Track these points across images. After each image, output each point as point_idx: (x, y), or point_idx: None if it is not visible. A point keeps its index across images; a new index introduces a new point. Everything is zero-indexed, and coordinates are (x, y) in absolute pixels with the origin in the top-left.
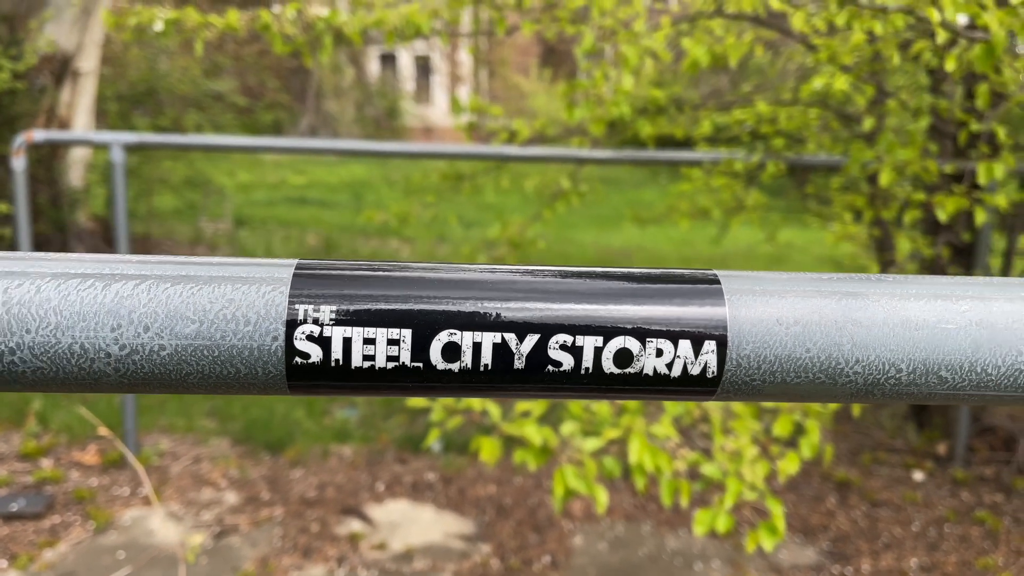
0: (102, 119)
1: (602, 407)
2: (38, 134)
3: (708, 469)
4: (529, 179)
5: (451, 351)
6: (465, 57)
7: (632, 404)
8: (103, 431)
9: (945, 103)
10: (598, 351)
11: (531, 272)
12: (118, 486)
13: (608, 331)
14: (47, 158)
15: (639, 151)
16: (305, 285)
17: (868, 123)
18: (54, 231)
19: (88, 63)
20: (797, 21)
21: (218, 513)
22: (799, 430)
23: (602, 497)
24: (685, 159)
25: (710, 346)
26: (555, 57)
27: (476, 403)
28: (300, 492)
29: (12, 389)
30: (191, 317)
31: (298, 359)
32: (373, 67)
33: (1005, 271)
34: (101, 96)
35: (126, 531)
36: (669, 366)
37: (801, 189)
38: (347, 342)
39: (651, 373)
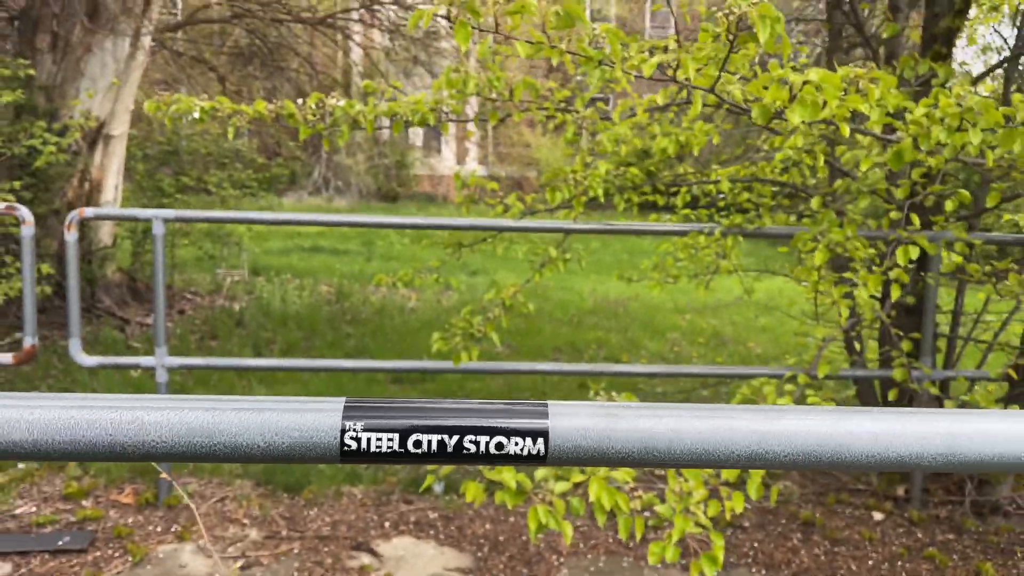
0: (129, 177)
1: None
2: (88, 211)
3: (660, 508)
4: (522, 246)
5: (416, 444)
6: (472, 112)
7: None
8: (164, 476)
9: (883, 185)
10: (487, 443)
11: (457, 402)
12: (152, 524)
13: (493, 432)
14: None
15: (617, 224)
16: (349, 412)
17: (816, 202)
18: (84, 284)
19: (119, 128)
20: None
21: (242, 547)
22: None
23: (568, 531)
24: (659, 230)
25: (541, 441)
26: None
27: None
28: (315, 529)
29: (211, 462)
30: (298, 429)
31: (346, 447)
32: (384, 121)
33: (953, 329)
34: (129, 156)
35: (161, 563)
36: (521, 450)
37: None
38: (368, 440)
39: (512, 454)
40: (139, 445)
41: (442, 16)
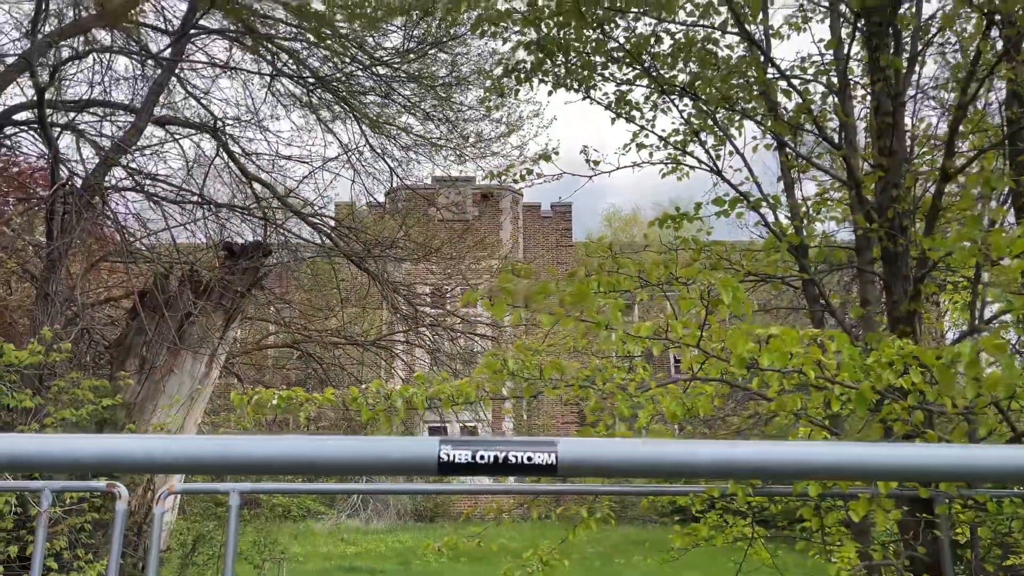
0: (189, 480)
1: None
2: (178, 485)
3: None
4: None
5: (482, 457)
6: (509, 425)
7: None
8: None
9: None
10: (522, 457)
11: (502, 437)
12: None
13: (526, 452)
14: (140, 523)
15: (640, 487)
16: (443, 441)
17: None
18: None
19: None
20: (755, 384)
21: None
22: None
23: None
24: (673, 491)
25: (554, 455)
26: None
27: None
28: None
29: (363, 474)
30: (422, 447)
31: (441, 459)
32: (424, 435)
33: None
34: None
35: None
36: (543, 460)
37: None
38: (454, 455)
39: (537, 464)
40: (318, 463)
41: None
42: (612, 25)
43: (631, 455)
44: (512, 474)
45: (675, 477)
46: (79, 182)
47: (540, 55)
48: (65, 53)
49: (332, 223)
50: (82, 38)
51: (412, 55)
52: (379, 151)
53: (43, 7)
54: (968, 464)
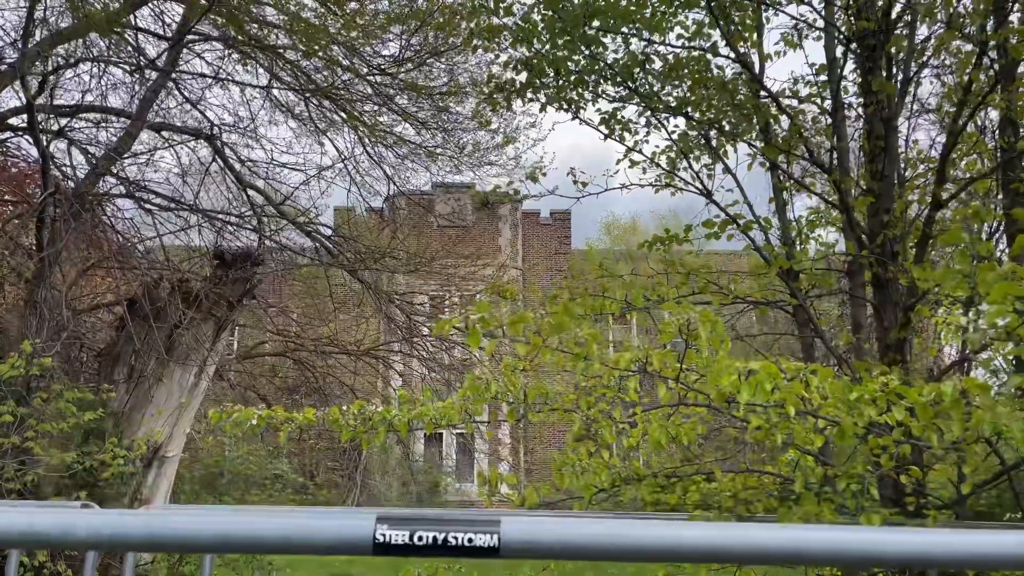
0: (175, 497)
1: None
2: (156, 504)
3: None
4: None
5: (420, 538)
6: (505, 436)
7: None
8: None
9: (853, 469)
10: (463, 538)
11: (443, 512)
12: None
13: (467, 531)
14: None
15: (627, 514)
16: (381, 519)
17: (798, 486)
18: None
19: (174, 450)
20: (741, 412)
21: None
22: None
23: None
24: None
25: (497, 537)
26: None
27: None
28: None
29: (307, 554)
30: (357, 526)
31: (376, 539)
32: (419, 447)
33: None
34: (178, 477)
35: None
36: (485, 543)
37: None
38: (389, 535)
39: (478, 546)
40: (249, 542)
41: (459, 328)
42: (598, 46)
43: (578, 536)
44: (452, 556)
45: (625, 560)
46: (72, 185)
47: (529, 73)
48: (60, 60)
49: (327, 232)
50: (81, 42)
51: (410, 64)
52: (376, 159)
53: (33, 15)
54: (951, 552)
